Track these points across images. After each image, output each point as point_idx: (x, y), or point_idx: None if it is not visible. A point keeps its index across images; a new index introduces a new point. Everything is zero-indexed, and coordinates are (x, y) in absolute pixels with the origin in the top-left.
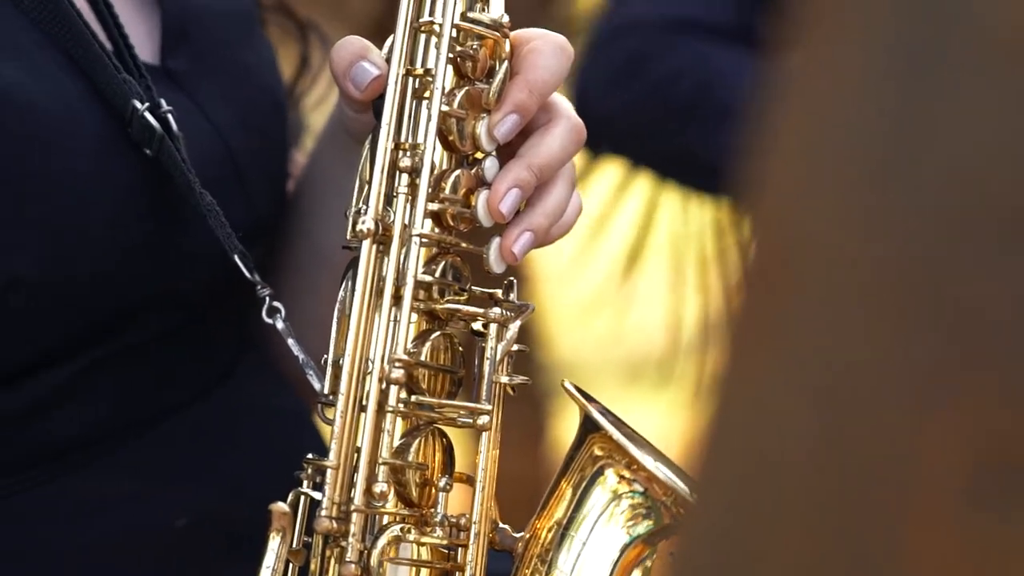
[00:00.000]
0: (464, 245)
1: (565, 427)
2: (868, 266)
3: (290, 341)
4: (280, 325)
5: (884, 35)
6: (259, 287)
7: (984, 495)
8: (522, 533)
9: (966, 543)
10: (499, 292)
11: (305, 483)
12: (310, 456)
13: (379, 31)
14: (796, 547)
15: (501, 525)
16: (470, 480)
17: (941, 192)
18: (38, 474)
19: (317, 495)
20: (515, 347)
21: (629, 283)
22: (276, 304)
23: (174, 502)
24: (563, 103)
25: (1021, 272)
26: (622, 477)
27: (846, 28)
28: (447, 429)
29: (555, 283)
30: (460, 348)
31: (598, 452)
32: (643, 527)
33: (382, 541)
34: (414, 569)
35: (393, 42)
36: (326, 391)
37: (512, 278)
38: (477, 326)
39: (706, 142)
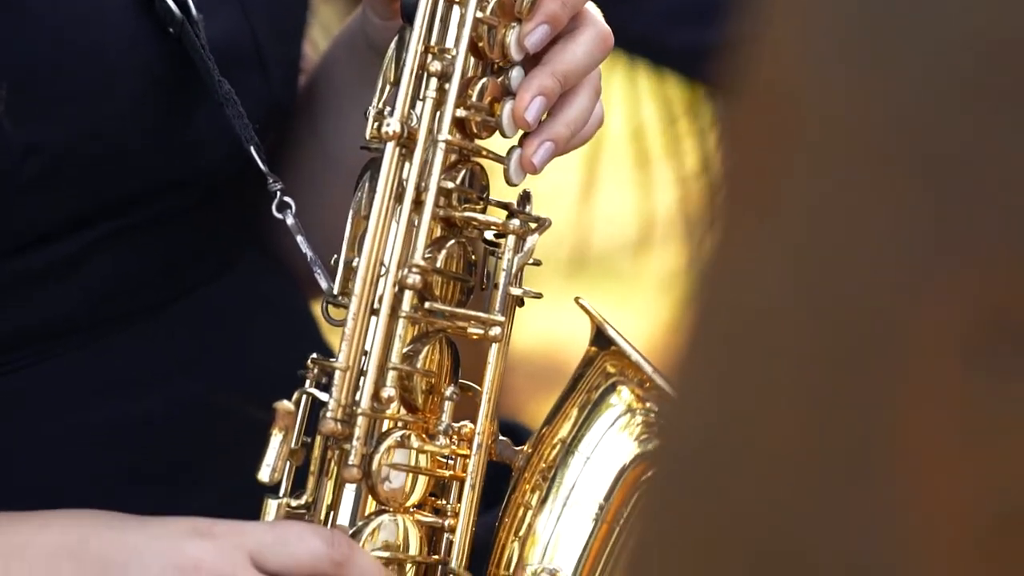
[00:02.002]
0: (485, 153)
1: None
2: (865, 130)
3: (299, 238)
4: (290, 220)
5: None
6: (271, 180)
7: (982, 357)
8: (522, 447)
9: (963, 406)
10: (514, 203)
11: (308, 382)
12: (315, 356)
13: None
14: (786, 421)
15: (501, 438)
16: (471, 391)
17: (943, 55)
18: (23, 357)
19: (323, 396)
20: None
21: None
22: (287, 199)
23: (171, 391)
24: (591, 10)
25: None
26: (636, 395)
27: None
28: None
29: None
30: (474, 257)
31: (610, 368)
32: (653, 445)
33: (385, 446)
34: (413, 475)
35: None
36: (335, 291)
37: (528, 189)
38: (489, 236)
39: (635, 13)
